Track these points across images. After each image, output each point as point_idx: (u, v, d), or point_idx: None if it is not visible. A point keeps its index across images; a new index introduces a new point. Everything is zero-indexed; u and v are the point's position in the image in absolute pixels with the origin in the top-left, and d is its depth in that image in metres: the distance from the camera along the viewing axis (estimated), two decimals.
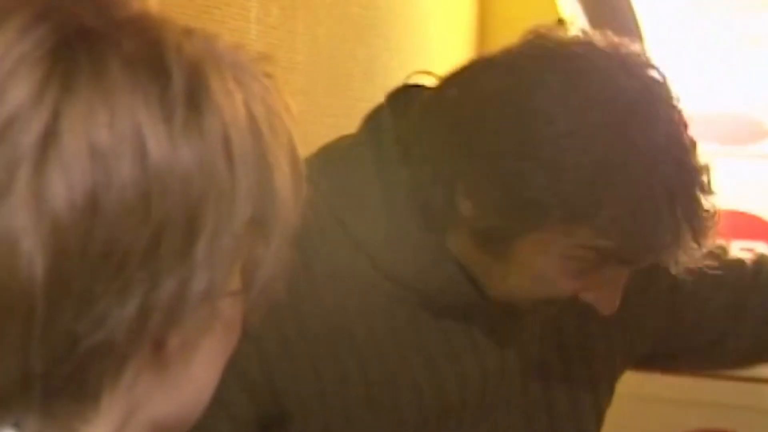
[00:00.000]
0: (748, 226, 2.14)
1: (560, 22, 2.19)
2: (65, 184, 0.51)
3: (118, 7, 0.55)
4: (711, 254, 1.34)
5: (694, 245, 1.09)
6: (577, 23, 2.08)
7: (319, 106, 1.53)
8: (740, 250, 2.11)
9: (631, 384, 1.46)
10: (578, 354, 1.27)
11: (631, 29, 2.14)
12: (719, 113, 2.24)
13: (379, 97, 1.22)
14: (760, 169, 2.22)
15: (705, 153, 1.19)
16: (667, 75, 1.15)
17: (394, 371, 1.15)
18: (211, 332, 0.58)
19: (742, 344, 1.36)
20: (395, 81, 1.24)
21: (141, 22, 0.55)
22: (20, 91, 0.51)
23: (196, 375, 0.59)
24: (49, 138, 0.51)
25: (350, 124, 1.30)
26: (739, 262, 1.39)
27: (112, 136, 0.52)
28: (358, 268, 1.12)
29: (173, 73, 0.54)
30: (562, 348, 1.26)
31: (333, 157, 1.17)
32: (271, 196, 0.58)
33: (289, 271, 0.60)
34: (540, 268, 1.10)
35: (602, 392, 1.32)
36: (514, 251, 1.08)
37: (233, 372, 0.66)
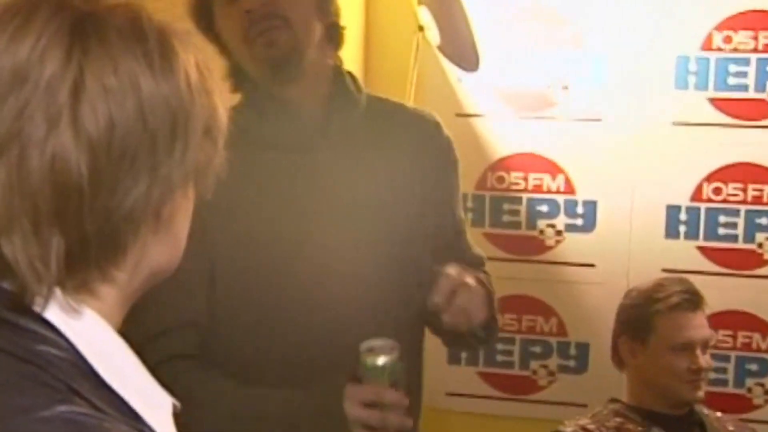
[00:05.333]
0: (538, 163, 3.06)
1: (420, 28, 2.69)
2: (92, 114, 0.74)
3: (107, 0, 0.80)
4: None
5: None
6: (432, 29, 2.60)
7: None
8: (533, 179, 2.99)
9: None
10: None
11: (466, 31, 2.54)
12: (516, 89, 3.00)
13: None
14: (547, 126, 3.02)
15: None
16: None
17: None
18: (183, 205, 0.85)
19: None
20: None
21: (123, 7, 0.81)
22: (54, 61, 0.74)
23: (175, 233, 0.85)
24: (79, 86, 0.75)
25: None
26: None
27: (117, 80, 0.76)
28: None
29: (149, 36, 0.79)
30: None
31: None
32: (214, 113, 0.84)
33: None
34: None
35: None
36: None
37: None
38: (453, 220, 1.78)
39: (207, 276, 1.56)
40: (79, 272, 0.77)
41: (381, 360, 1.43)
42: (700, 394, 2.29)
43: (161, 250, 0.84)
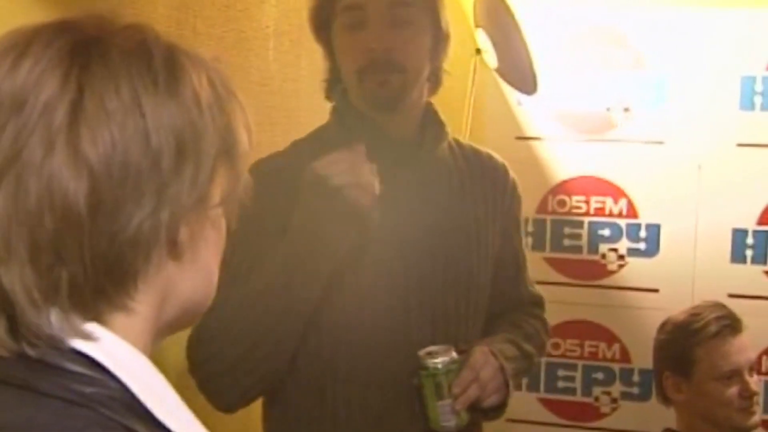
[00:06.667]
0: (600, 186, 2.99)
1: (477, 51, 2.65)
2: (91, 136, 0.71)
3: (112, 22, 0.77)
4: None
5: None
6: (489, 52, 2.60)
7: (315, 105, 1.83)
8: (595, 202, 2.92)
9: None
10: None
11: (524, 54, 2.50)
12: (577, 112, 2.98)
13: None
14: (609, 149, 2.98)
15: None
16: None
17: None
18: (206, 232, 0.80)
19: None
20: None
21: (130, 28, 0.77)
22: (51, 83, 0.71)
23: (203, 262, 0.81)
24: (77, 108, 0.71)
25: None
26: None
27: (119, 101, 0.72)
28: None
29: (155, 53, 0.75)
30: None
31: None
32: (231, 133, 0.80)
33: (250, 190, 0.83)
34: None
35: None
36: None
37: None
38: (517, 255, 1.85)
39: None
40: (90, 302, 0.74)
41: (436, 362, 1.55)
42: (756, 419, 2.21)
43: (189, 281, 0.80)
